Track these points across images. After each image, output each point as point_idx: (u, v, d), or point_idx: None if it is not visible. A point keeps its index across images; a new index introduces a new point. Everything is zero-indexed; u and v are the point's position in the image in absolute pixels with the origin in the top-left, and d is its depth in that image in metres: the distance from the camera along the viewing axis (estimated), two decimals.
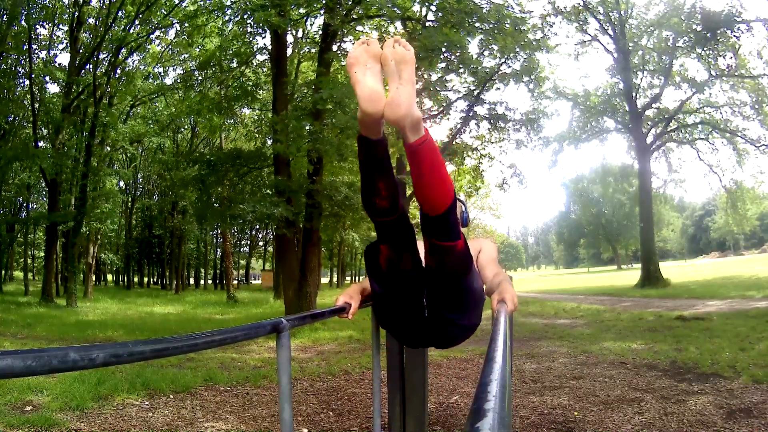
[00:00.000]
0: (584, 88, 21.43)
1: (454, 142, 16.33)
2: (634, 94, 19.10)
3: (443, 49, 9.30)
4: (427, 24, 10.91)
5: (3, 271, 26.15)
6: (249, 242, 40.72)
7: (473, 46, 11.89)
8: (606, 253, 60.39)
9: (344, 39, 12.82)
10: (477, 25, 9.86)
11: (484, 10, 9.89)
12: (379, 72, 1.47)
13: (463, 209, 2.42)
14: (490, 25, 10.03)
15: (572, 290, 20.68)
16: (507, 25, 10.12)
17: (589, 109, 20.87)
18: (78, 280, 17.21)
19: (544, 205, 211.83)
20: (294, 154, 9.46)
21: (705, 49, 17.17)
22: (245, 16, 11.26)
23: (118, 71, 16.38)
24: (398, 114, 1.39)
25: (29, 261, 29.72)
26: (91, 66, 15.60)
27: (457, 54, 9.76)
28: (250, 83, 13.45)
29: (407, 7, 11.36)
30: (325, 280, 40.07)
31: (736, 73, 17.54)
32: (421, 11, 12.73)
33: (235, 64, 13.23)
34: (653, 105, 19.41)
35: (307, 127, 9.72)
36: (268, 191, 11.74)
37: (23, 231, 25.78)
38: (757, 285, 14.01)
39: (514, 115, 15.92)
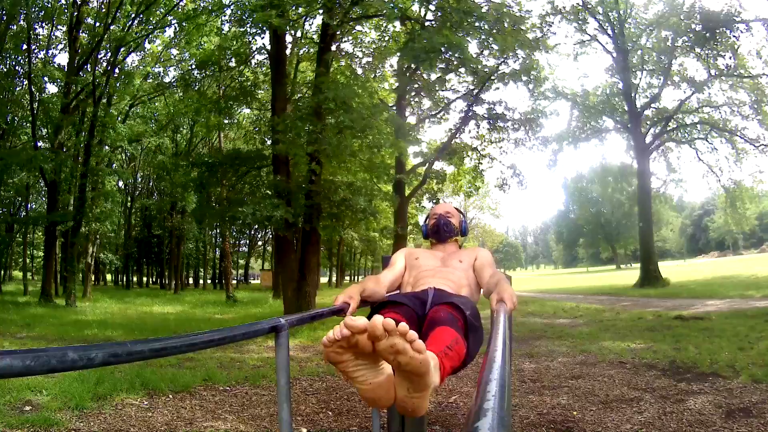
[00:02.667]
0: (583, 87, 21.42)
1: (453, 142, 16.37)
2: (633, 94, 19.10)
3: (443, 50, 9.30)
4: (426, 24, 10.92)
5: (2, 271, 26.14)
6: (248, 242, 40.71)
7: (473, 46, 11.87)
8: (605, 252, 60.40)
9: (343, 39, 12.81)
10: (476, 24, 9.85)
11: (483, 9, 9.89)
12: (374, 361, 1.22)
13: (462, 219, 2.46)
14: (490, 25, 10.03)
15: (571, 290, 20.69)
16: (506, 24, 10.12)
17: (589, 109, 20.86)
18: (77, 280, 17.19)
19: (543, 205, 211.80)
20: (299, 154, 9.46)
21: (704, 48, 17.18)
22: (244, 17, 11.26)
23: (117, 71, 16.37)
24: (413, 415, 1.26)
25: (28, 261, 29.66)
26: (89, 66, 15.58)
27: (457, 55, 9.77)
28: (249, 83, 13.45)
29: (406, 6, 11.36)
30: (324, 279, 40.09)
31: (735, 73, 17.55)
32: (420, 11, 12.74)
33: (233, 64, 13.23)
34: (652, 105, 19.42)
35: (307, 128, 9.72)
36: (268, 191, 11.74)
37: (22, 231, 25.73)
38: (756, 284, 14.02)
39: (513, 114, 15.97)
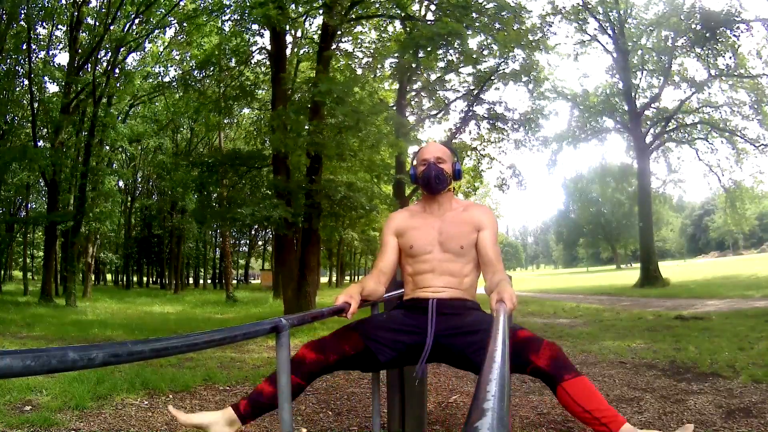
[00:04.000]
0: (583, 88, 21.45)
1: (452, 142, 16.36)
2: (633, 94, 19.11)
3: (442, 42, 9.22)
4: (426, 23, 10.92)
5: (2, 271, 26.12)
6: (248, 242, 40.73)
7: (473, 46, 11.83)
8: (605, 252, 60.44)
9: (343, 39, 12.79)
10: (475, 18, 9.79)
11: (483, 5, 9.85)
12: None
13: (455, 161, 2.12)
14: (489, 19, 9.98)
15: (571, 290, 20.69)
16: (505, 16, 10.08)
17: (589, 109, 20.87)
18: (77, 280, 17.21)
19: (543, 205, 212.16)
20: (291, 148, 9.42)
21: (704, 48, 17.19)
22: (244, 15, 11.25)
23: (117, 71, 16.37)
24: None
25: (28, 260, 29.68)
26: (90, 66, 15.59)
27: (456, 46, 9.71)
28: (249, 83, 13.45)
29: (406, 5, 11.36)
30: (324, 279, 40.09)
31: (735, 73, 17.55)
32: (420, 10, 12.74)
33: (233, 64, 13.23)
34: (652, 105, 19.43)
35: (306, 126, 9.71)
36: (268, 191, 11.74)
37: (22, 231, 25.74)
38: (756, 284, 14.02)
39: (513, 115, 15.98)
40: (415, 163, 2.13)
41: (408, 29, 11.30)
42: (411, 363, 1.88)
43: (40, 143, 17.25)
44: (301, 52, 14.54)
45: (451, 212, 2.05)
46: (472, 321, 1.82)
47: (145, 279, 40.32)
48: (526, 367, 1.65)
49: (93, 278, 23.98)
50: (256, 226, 30.28)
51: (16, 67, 16.48)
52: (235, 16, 12.16)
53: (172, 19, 14.85)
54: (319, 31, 11.48)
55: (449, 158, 2.08)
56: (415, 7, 12.90)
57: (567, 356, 1.70)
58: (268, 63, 12.21)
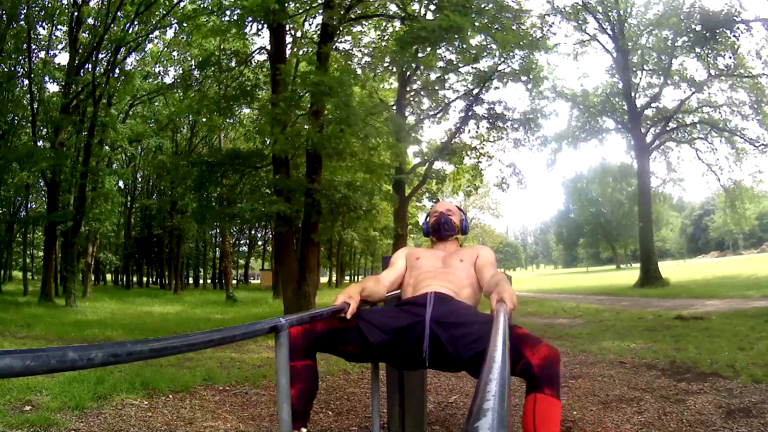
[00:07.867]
0: (583, 87, 21.42)
1: (452, 142, 16.38)
2: (633, 94, 19.10)
3: (443, 37, 9.15)
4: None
5: (2, 271, 26.12)
6: (248, 242, 40.73)
7: (473, 44, 11.81)
8: (605, 252, 60.41)
9: (342, 39, 12.78)
10: (476, 22, 9.78)
11: (483, 6, 9.83)
12: None
13: (463, 217, 2.45)
14: (489, 18, 9.95)
15: (571, 290, 20.69)
16: (505, 19, 10.05)
17: (588, 109, 20.87)
18: (77, 280, 17.20)
19: (543, 205, 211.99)
20: (288, 146, 9.37)
21: (704, 48, 17.18)
22: (243, 11, 11.22)
23: (117, 71, 16.37)
24: None
25: (28, 261, 29.67)
26: (90, 66, 15.58)
27: (456, 42, 9.65)
28: (249, 83, 13.44)
29: (406, 4, 11.33)
30: (324, 279, 40.07)
31: (735, 73, 17.55)
32: (419, 10, 12.74)
33: (234, 64, 13.22)
34: (652, 104, 19.42)
35: (306, 127, 9.71)
36: (267, 190, 11.72)
37: (22, 231, 25.74)
38: (756, 284, 14.02)
39: (512, 114, 15.98)
40: (428, 218, 2.46)
41: (408, 26, 11.26)
42: (406, 358, 1.82)
43: (40, 143, 17.25)
44: (301, 52, 14.54)
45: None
46: (468, 313, 1.83)
47: (144, 279, 40.29)
48: (518, 362, 1.58)
49: (93, 278, 23.99)
50: (256, 226, 30.32)
51: (16, 68, 16.48)
52: (234, 17, 12.13)
53: (173, 19, 14.83)
54: (319, 31, 11.46)
55: (457, 213, 2.42)
56: (415, 7, 12.88)
57: (561, 374, 1.66)
58: (268, 64, 12.20)
